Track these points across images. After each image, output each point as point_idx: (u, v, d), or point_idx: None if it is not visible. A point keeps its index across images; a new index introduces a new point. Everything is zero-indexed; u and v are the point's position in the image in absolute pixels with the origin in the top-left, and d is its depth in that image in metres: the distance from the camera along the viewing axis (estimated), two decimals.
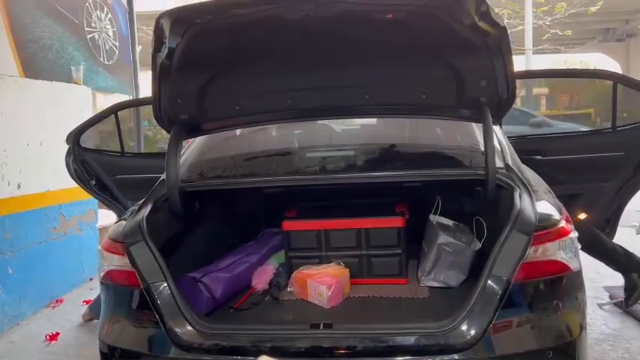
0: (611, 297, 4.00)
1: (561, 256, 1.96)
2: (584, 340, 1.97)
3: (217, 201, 2.83)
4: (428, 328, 1.91)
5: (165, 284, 2.05)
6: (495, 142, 2.40)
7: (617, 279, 4.38)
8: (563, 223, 2.01)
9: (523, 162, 2.56)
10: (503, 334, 1.88)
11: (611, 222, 3.41)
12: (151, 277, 2.06)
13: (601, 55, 23.44)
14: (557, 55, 19.85)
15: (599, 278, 4.24)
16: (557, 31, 12.91)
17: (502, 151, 2.43)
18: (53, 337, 3.78)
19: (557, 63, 22.62)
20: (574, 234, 2.04)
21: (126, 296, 2.14)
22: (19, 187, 4.18)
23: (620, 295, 3.97)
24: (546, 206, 2.10)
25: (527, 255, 1.90)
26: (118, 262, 2.14)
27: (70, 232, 4.83)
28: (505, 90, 2.22)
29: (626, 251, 3.44)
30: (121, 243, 2.13)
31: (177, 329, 1.99)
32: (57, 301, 4.54)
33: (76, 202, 4.86)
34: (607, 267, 3.75)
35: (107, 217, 4.93)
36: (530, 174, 2.43)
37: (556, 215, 2.05)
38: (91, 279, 4.94)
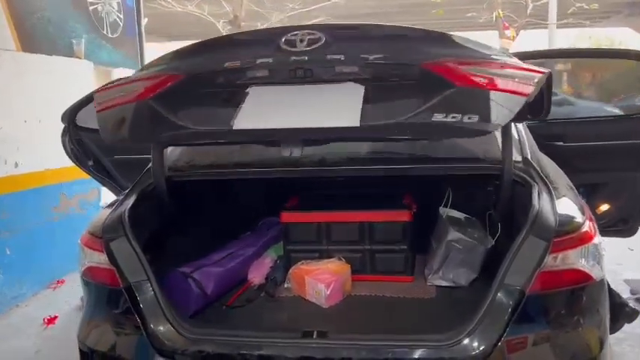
0: (632, 292, 3.80)
1: (582, 265, 1.76)
2: (606, 356, 1.79)
3: (211, 190, 2.65)
4: (431, 340, 1.72)
5: (148, 284, 1.90)
6: (513, 131, 2.18)
7: (639, 272, 4.19)
8: (586, 227, 1.80)
9: (543, 148, 2.33)
10: (515, 351, 1.69)
11: (634, 216, 3.18)
12: (132, 275, 1.90)
13: (627, 30, 22.56)
14: (581, 30, 19.19)
15: (620, 270, 4.02)
16: (583, 4, 12.38)
17: (520, 142, 2.21)
18: (51, 320, 3.71)
19: (580, 38, 21.86)
20: (598, 239, 1.83)
21: (106, 296, 2.00)
22: (16, 165, 4.06)
23: None
24: (568, 207, 1.89)
25: (545, 263, 1.70)
26: (97, 258, 1.99)
27: (71, 212, 4.73)
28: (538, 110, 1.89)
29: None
30: (100, 238, 1.98)
31: (159, 333, 1.84)
32: (58, 281, 4.45)
33: (78, 181, 4.72)
34: (629, 258, 3.51)
35: (111, 196, 4.82)
36: (550, 167, 2.21)
37: (579, 218, 1.84)
38: None
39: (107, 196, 5.09)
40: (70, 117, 3.31)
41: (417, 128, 1.67)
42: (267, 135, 1.78)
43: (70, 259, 4.59)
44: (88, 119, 3.48)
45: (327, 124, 1.66)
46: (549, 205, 1.81)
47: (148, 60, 6.40)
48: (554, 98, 1.93)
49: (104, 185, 3.72)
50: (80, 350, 2.02)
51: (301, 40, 1.71)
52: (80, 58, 4.97)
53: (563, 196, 1.95)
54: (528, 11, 13.14)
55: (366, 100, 1.65)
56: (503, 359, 1.67)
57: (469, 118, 1.57)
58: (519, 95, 1.59)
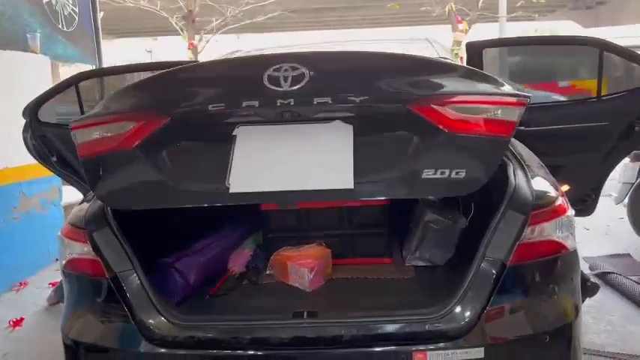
0: (591, 268, 3.99)
1: (558, 236, 1.86)
2: (579, 321, 1.89)
3: None
4: (418, 314, 1.79)
5: (134, 273, 1.89)
6: None
7: (595, 250, 4.41)
8: (560, 201, 1.90)
9: None
10: (497, 320, 1.77)
11: (592, 195, 3.35)
12: (118, 265, 1.89)
13: (571, 23, 23.43)
14: (529, 24, 19.82)
15: (578, 248, 4.19)
16: None
17: None
18: (17, 322, 3.60)
19: (526, 32, 22.53)
20: (571, 211, 1.94)
21: (91, 287, 1.96)
22: None
23: (601, 265, 3.97)
24: (541, 182, 1.98)
25: (524, 236, 1.79)
26: (80, 250, 1.95)
27: (32, 211, 4.60)
28: None
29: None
30: (83, 229, 1.95)
31: (148, 321, 1.83)
32: (21, 284, 4.34)
33: (38, 179, 4.61)
34: (586, 237, 3.70)
35: (72, 194, 4.70)
36: (521, 147, 2.31)
37: (552, 192, 1.94)
38: (56, 259, 4.70)
39: (68, 195, 4.97)
40: (32, 112, 3.21)
41: (408, 188, 1.77)
42: (264, 198, 1.88)
43: (32, 260, 4.50)
44: (50, 114, 3.39)
45: (321, 185, 1.74)
46: (525, 181, 1.91)
47: (105, 55, 6.27)
48: None
49: (69, 182, 3.61)
50: (64, 344, 1.98)
51: (285, 78, 1.74)
52: (36, 53, 4.81)
53: (536, 173, 2.05)
54: (480, 4, 13.51)
55: (357, 147, 1.72)
56: (486, 328, 1.75)
57: (457, 174, 1.68)
58: (503, 136, 1.70)
